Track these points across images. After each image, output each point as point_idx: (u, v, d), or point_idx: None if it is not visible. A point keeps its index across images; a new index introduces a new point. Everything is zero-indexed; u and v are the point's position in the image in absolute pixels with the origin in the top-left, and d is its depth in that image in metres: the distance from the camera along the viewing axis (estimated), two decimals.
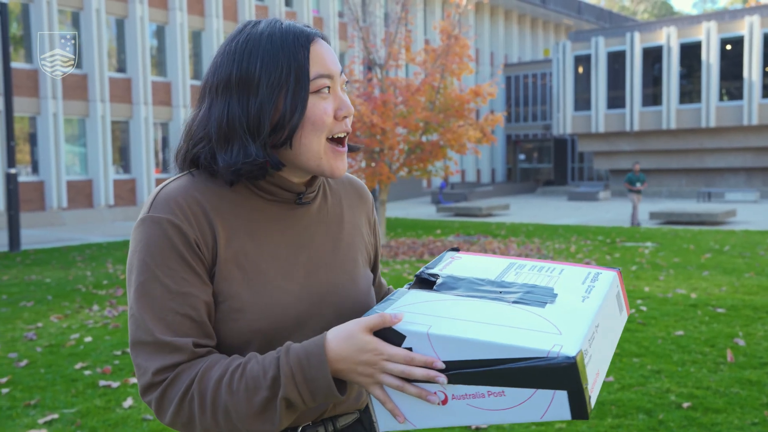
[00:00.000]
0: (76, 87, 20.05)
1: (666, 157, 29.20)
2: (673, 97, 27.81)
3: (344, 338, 1.02)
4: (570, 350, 0.93)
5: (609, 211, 22.12)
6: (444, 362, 0.98)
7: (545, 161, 38.33)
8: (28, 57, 19.50)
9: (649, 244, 12.70)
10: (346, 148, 1.19)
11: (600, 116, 29.62)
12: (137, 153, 21.69)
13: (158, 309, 1.06)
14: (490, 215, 21.28)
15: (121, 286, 8.71)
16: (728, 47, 27.02)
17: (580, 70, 30.44)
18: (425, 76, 13.03)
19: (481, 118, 13.13)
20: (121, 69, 21.69)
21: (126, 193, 21.55)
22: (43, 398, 4.38)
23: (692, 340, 5.49)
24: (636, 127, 28.68)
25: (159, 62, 22.72)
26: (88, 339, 5.91)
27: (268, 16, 1.19)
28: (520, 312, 1.04)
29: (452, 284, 1.16)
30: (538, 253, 11.48)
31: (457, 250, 1.35)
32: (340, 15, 27.57)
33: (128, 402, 4.25)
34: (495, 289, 1.13)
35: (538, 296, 1.10)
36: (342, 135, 1.18)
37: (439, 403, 1.00)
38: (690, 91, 27.99)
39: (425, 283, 1.18)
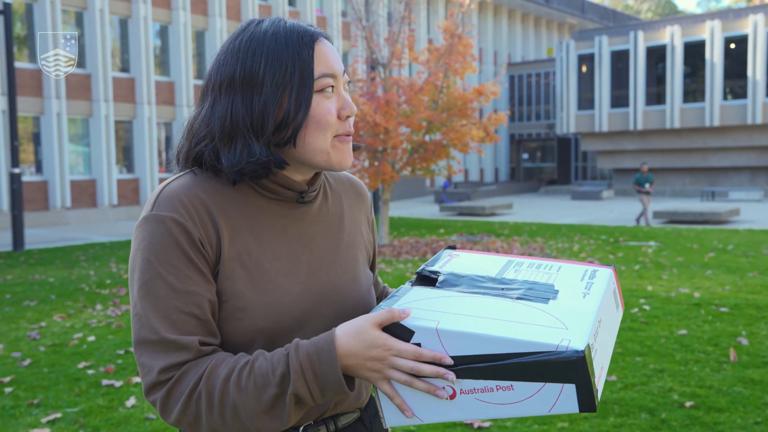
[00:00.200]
0: (79, 87, 20.09)
1: (670, 156, 29.16)
2: (677, 96, 27.77)
3: (353, 334, 1.02)
4: (578, 344, 0.95)
5: (612, 211, 22.10)
6: (453, 357, 0.99)
7: (548, 160, 38.29)
8: (32, 57, 19.53)
9: (652, 243, 12.68)
10: (351, 138, 1.19)
11: (603, 115, 29.59)
12: (141, 153, 21.73)
13: (163, 307, 1.06)
14: (493, 214, 21.27)
15: (124, 285, 8.73)
16: (732, 46, 26.97)
17: (584, 69, 30.40)
18: (428, 76, 13.02)
19: (484, 118, 13.13)
20: (125, 69, 21.73)
21: (129, 193, 21.58)
22: (46, 397, 4.39)
23: (695, 339, 5.48)
24: (639, 127, 28.64)
25: (162, 62, 22.75)
26: (91, 338, 5.93)
27: (271, 16, 1.19)
28: (525, 308, 1.06)
29: (454, 281, 1.17)
30: (541, 252, 11.47)
31: (453, 248, 1.35)
32: (343, 14, 27.58)
33: (131, 401, 4.25)
34: (497, 286, 1.14)
35: (540, 292, 1.11)
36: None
37: (447, 398, 1.02)
38: (694, 90, 27.95)
39: (427, 280, 1.18)
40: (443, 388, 1.01)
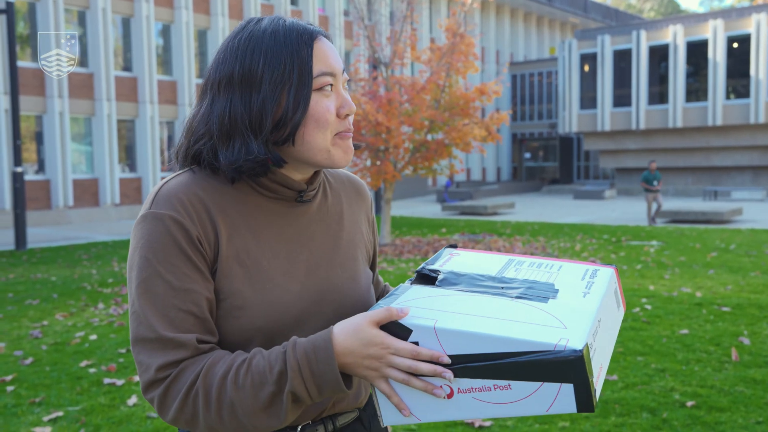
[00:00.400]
0: (82, 86, 20.11)
1: (672, 155, 29.11)
2: (680, 95, 27.72)
3: (351, 332, 1.02)
4: (576, 344, 0.94)
5: (615, 210, 22.07)
6: (450, 356, 0.99)
7: (551, 160, 38.25)
8: (34, 56, 19.54)
9: (654, 242, 12.67)
10: (351, 135, 1.19)
11: (606, 115, 29.55)
12: (143, 151, 21.75)
13: (161, 305, 1.06)
14: (495, 214, 21.26)
15: (125, 284, 8.68)
16: (735, 45, 26.92)
17: (586, 68, 30.37)
18: (430, 75, 13.01)
19: (486, 117, 13.12)
20: (127, 68, 21.75)
21: (132, 192, 21.61)
22: (48, 396, 4.40)
23: (697, 339, 5.47)
24: (642, 126, 28.60)
25: (165, 61, 22.76)
26: (93, 337, 5.93)
27: (273, 14, 1.19)
28: (524, 307, 1.05)
29: (454, 280, 1.16)
30: (543, 252, 11.46)
31: (455, 246, 1.35)
32: (346, 13, 27.57)
33: (132, 400, 4.26)
34: (497, 285, 1.14)
35: (539, 292, 1.11)
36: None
37: (444, 397, 1.01)
38: (696, 90, 27.90)
39: (426, 278, 1.18)
40: (441, 387, 1.01)
